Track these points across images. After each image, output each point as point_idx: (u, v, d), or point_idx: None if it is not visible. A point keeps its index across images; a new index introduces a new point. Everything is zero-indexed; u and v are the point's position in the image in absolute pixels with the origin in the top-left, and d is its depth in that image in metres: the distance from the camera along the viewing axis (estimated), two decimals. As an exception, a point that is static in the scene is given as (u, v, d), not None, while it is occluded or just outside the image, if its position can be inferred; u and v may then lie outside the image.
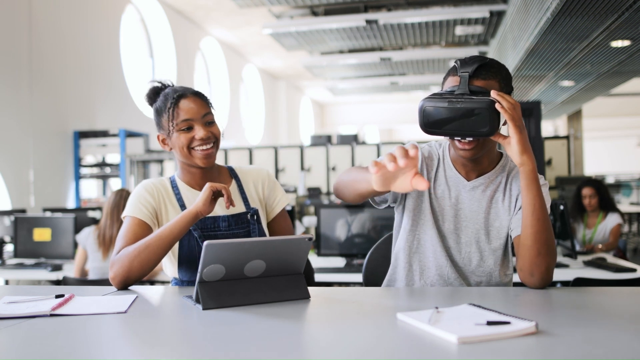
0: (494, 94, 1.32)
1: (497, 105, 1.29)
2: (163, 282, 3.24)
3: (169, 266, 1.61)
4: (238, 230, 1.59)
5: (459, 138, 1.41)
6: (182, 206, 1.58)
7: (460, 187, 1.52)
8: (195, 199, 1.59)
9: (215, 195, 1.45)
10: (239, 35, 10.55)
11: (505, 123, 1.34)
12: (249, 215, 1.61)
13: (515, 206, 1.48)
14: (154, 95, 1.62)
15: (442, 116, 1.33)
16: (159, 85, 1.63)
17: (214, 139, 1.57)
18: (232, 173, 1.70)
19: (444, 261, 1.51)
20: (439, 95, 1.36)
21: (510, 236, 1.49)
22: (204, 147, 1.55)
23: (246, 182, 1.69)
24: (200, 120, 1.55)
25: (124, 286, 1.45)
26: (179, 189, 1.61)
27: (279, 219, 1.70)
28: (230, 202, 1.43)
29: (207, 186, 1.43)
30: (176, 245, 1.55)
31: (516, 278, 1.55)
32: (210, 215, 1.56)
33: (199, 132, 1.53)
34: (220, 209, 1.60)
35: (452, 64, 1.50)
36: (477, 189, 1.51)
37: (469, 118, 1.31)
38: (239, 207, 1.63)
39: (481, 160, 1.49)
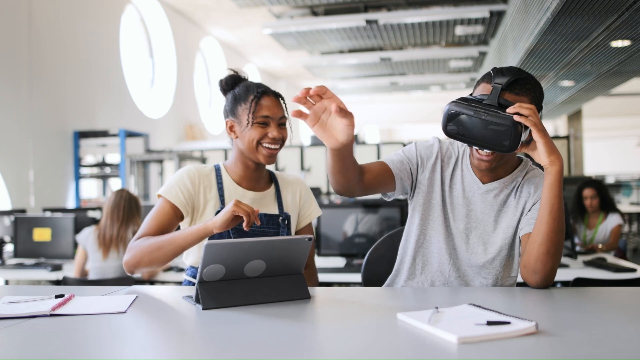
0: (510, 109, 1.30)
1: (515, 117, 1.28)
2: (163, 282, 3.24)
3: (194, 252, 1.64)
4: (269, 229, 1.64)
5: (477, 148, 1.41)
6: (222, 196, 1.62)
7: (475, 189, 1.53)
8: (234, 191, 1.64)
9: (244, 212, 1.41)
10: (239, 35, 10.55)
11: (526, 139, 1.33)
12: (280, 219, 1.66)
13: (524, 208, 1.49)
14: (232, 82, 1.67)
15: (465, 124, 1.33)
16: (237, 75, 1.69)
17: (281, 141, 1.64)
18: (272, 177, 1.77)
19: (447, 259, 1.52)
20: (466, 102, 1.35)
21: (519, 235, 1.49)
22: (272, 147, 1.61)
23: (284, 190, 1.75)
24: (277, 120, 1.62)
25: (131, 273, 1.53)
26: (222, 179, 1.65)
27: (306, 229, 1.78)
28: (250, 225, 1.40)
29: (231, 206, 1.38)
30: None
31: (518, 279, 1.55)
32: None
33: (273, 131, 1.60)
34: (253, 206, 1.61)
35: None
36: (491, 193, 1.52)
37: (490, 131, 1.31)
38: (273, 210, 1.68)
39: (497, 168, 1.49)
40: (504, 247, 1.51)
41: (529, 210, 1.47)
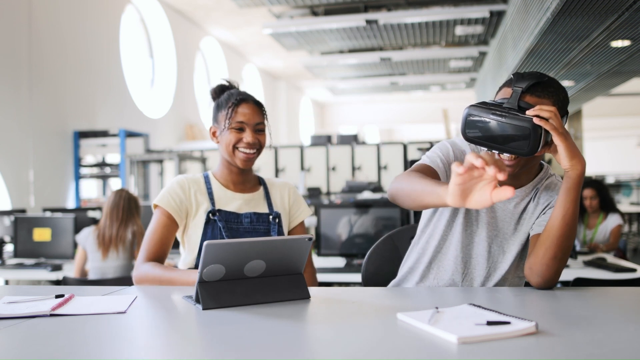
0: (530, 111, 1.27)
1: (535, 120, 1.24)
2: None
3: (186, 256, 1.69)
4: (259, 226, 1.70)
5: (497, 152, 1.37)
6: (212, 199, 1.68)
7: None
8: (224, 195, 1.71)
9: None
10: (239, 35, 10.54)
11: (549, 140, 1.29)
12: (270, 217, 1.72)
13: (540, 212, 1.47)
14: (220, 91, 1.76)
15: (484, 127, 1.30)
16: (227, 84, 1.77)
17: (258, 146, 1.70)
18: (261, 181, 1.83)
19: (461, 267, 1.51)
20: (486, 105, 1.32)
21: (529, 234, 1.48)
22: (247, 151, 1.68)
23: (273, 192, 1.81)
24: (253, 126, 1.69)
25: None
26: (211, 185, 1.73)
27: (299, 229, 1.82)
28: None
29: None
30: (198, 235, 1.65)
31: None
32: (233, 211, 1.68)
33: (248, 136, 1.67)
34: (243, 207, 1.71)
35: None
36: (511, 202, 1.49)
37: (510, 135, 1.27)
38: (263, 209, 1.74)
39: (518, 176, 1.47)
40: (518, 253, 1.50)
41: (544, 214, 1.45)
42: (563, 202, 1.31)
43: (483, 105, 1.32)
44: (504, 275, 1.51)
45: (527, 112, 1.27)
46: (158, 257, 1.63)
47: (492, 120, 1.30)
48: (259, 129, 1.70)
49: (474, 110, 1.32)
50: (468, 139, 1.35)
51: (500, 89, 1.44)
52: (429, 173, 1.42)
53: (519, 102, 1.32)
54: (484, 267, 1.51)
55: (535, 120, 1.25)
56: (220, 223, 1.65)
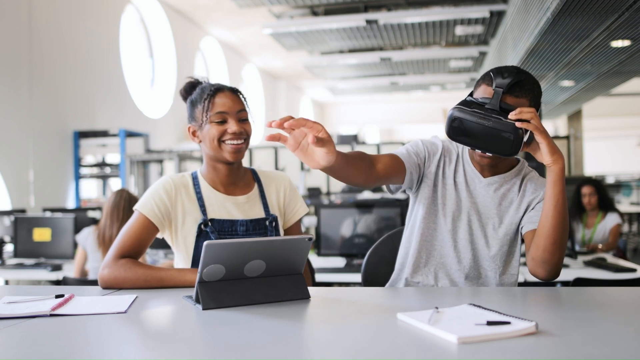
0: (512, 115, 1.34)
1: (518, 124, 1.32)
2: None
3: (181, 263, 1.61)
4: (255, 235, 1.59)
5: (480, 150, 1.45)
6: (202, 206, 1.57)
7: (477, 182, 1.57)
8: (215, 199, 1.59)
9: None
10: (239, 35, 10.54)
11: (529, 138, 1.37)
12: (267, 222, 1.62)
13: (528, 206, 1.53)
14: (190, 89, 1.64)
15: (468, 129, 1.38)
16: (195, 80, 1.64)
17: (245, 135, 1.57)
18: (255, 176, 1.69)
19: (449, 251, 1.56)
20: (469, 107, 1.39)
21: (521, 232, 1.54)
22: (235, 142, 1.55)
23: (268, 188, 1.68)
24: (235, 115, 1.56)
25: (104, 288, 1.45)
26: (200, 187, 1.60)
27: (295, 228, 1.72)
28: None
29: None
30: (191, 246, 1.56)
31: (520, 279, 1.56)
32: (228, 219, 1.57)
33: (232, 126, 1.54)
34: (238, 213, 1.60)
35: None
36: (491, 187, 1.56)
37: (493, 136, 1.36)
38: (259, 213, 1.62)
39: (496, 164, 1.55)
40: (505, 243, 1.55)
41: (532, 209, 1.52)
42: (552, 194, 1.39)
43: (466, 107, 1.39)
44: (489, 264, 1.55)
45: (510, 116, 1.35)
46: (133, 256, 1.50)
47: (476, 124, 1.37)
48: (243, 118, 1.57)
49: (458, 113, 1.39)
50: (452, 138, 1.43)
51: (478, 84, 1.49)
52: (390, 159, 1.51)
53: (500, 102, 1.38)
54: (467, 252, 1.55)
55: (518, 124, 1.33)
56: (212, 235, 1.54)
